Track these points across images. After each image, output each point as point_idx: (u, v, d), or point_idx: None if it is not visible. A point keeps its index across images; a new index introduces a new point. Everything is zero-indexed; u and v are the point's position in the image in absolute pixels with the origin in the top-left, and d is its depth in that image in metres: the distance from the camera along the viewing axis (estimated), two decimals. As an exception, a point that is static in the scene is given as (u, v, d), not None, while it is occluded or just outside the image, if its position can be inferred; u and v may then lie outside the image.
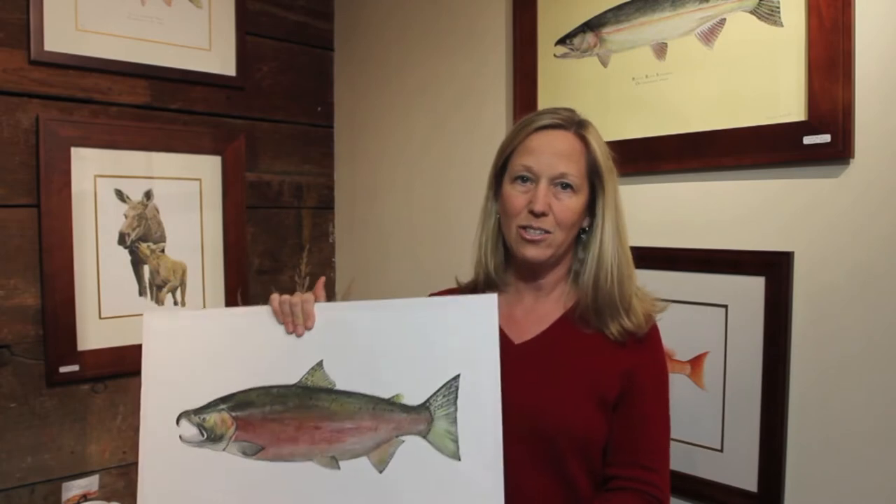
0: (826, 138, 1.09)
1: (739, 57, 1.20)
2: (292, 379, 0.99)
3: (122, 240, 1.67)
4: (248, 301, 1.85)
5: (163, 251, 1.73)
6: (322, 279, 1.06)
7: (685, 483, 1.26)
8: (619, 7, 1.36)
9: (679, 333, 1.26)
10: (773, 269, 1.16)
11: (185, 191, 1.77)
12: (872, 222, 1.07)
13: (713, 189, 1.26)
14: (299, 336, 0.99)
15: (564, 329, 1.05)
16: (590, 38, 1.41)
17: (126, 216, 1.67)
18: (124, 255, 1.67)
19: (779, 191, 1.17)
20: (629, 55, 1.35)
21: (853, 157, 1.08)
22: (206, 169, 1.80)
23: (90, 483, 1.62)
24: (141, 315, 1.65)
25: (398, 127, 1.91)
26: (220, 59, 1.82)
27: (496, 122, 1.63)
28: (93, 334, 1.61)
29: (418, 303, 1.03)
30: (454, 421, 0.96)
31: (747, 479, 1.19)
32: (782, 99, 1.15)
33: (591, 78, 1.42)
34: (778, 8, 1.15)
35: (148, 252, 1.71)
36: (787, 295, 1.14)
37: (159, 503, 0.98)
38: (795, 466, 1.15)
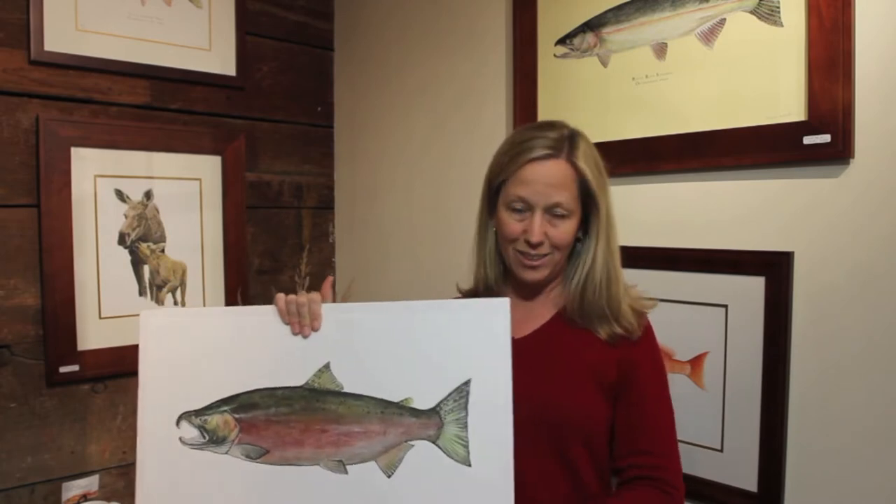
0: (826, 138, 1.09)
1: (739, 57, 1.20)
2: (298, 380, 0.96)
3: (122, 240, 1.67)
4: (248, 301, 1.85)
5: (163, 251, 1.73)
6: (330, 279, 1.05)
7: (685, 483, 1.25)
8: (619, 7, 1.36)
9: (679, 333, 1.26)
10: (773, 269, 1.16)
11: (185, 191, 1.77)
12: (872, 222, 1.07)
13: (713, 189, 1.26)
14: (306, 337, 0.97)
15: (559, 325, 1.08)
16: (590, 38, 1.41)
17: (126, 216, 1.67)
18: (124, 255, 1.67)
19: (779, 191, 1.17)
20: (629, 55, 1.35)
21: (853, 157, 1.08)
22: (206, 169, 1.80)
23: (90, 483, 1.62)
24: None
25: (398, 127, 1.91)
26: (220, 59, 1.82)
27: (496, 123, 1.63)
28: (93, 334, 1.61)
29: (429, 305, 1.00)
30: (465, 426, 0.94)
31: (747, 479, 1.19)
32: (782, 99, 1.15)
33: (591, 78, 1.42)
34: (778, 8, 1.15)
35: (148, 252, 1.71)
36: (787, 295, 1.14)
37: None
38: (795, 466, 1.15)
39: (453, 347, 0.96)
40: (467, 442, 0.94)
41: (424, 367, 0.96)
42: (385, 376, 0.96)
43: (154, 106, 1.72)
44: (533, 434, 1.00)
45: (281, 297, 0.98)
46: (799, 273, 1.14)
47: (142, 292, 1.70)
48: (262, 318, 0.99)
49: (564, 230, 1.04)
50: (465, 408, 0.94)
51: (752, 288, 1.18)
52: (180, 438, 0.96)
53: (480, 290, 1.16)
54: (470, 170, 1.70)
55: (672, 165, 1.30)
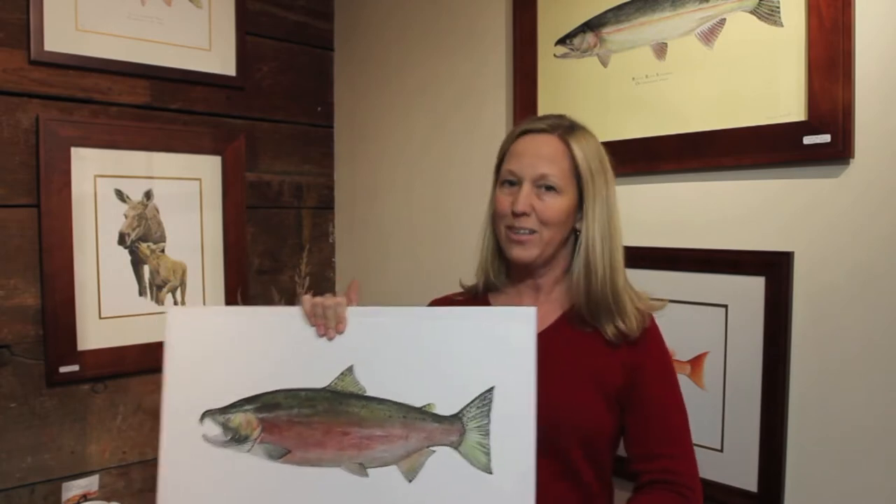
0: (826, 138, 1.09)
1: (739, 57, 1.20)
2: (321, 382, 0.96)
3: (122, 240, 1.67)
4: (248, 301, 1.85)
5: (163, 251, 1.73)
6: (355, 282, 1.05)
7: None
8: (619, 7, 1.36)
9: (679, 333, 1.26)
10: (773, 269, 1.16)
11: (185, 191, 1.77)
12: (872, 222, 1.07)
13: (713, 189, 1.26)
14: (330, 340, 0.97)
15: (564, 328, 1.07)
16: (590, 38, 1.41)
17: (126, 216, 1.67)
18: (124, 255, 1.67)
19: (779, 191, 1.17)
20: (629, 55, 1.35)
21: (853, 157, 1.08)
22: (206, 169, 1.80)
23: (90, 483, 1.62)
24: (140, 315, 1.68)
25: (398, 127, 1.91)
26: (220, 59, 1.82)
27: (496, 123, 1.63)
28: (93, 334, 1.61)
29: (455, 311, 1.01)
30: (487, 433, 0.93)
31: (747, 479, 1.19)
32: (782, 99, 1.15)
33: (591, 78, 1.42)
34: (778, 8, 1.15)
35: (148, 252, 1.71)
36: (787, 295, 1.14)
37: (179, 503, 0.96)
38: (795, 466, 1.15)
39: (478, 354, 0.96)
40: (489, 449, 0.93)
41: (448, 372, 0.95)
42: (408, 381, 0.96)
43: (154, 106, 1.72)
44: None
45: (307, 298, 0.98)
46: (799, 273, 1.14)
47: (142, 292, 1.70)
48: (287, 319, 0.99)
49: (552, 205, 1.03)
50: (488, 415, 0.94)
51: (752, 288, 1.18)
52: (203, 435, 0.97)
53: (481, 284, 1.15)
54: (470, 170, 1.70)
55: (672, 165, 1.30)
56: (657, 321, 1.09)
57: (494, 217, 1.09)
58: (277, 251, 1.99)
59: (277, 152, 1.97)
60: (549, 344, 1.05)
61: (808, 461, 1.14)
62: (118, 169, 1.65)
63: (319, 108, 2.07)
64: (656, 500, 1.00)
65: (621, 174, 1.31)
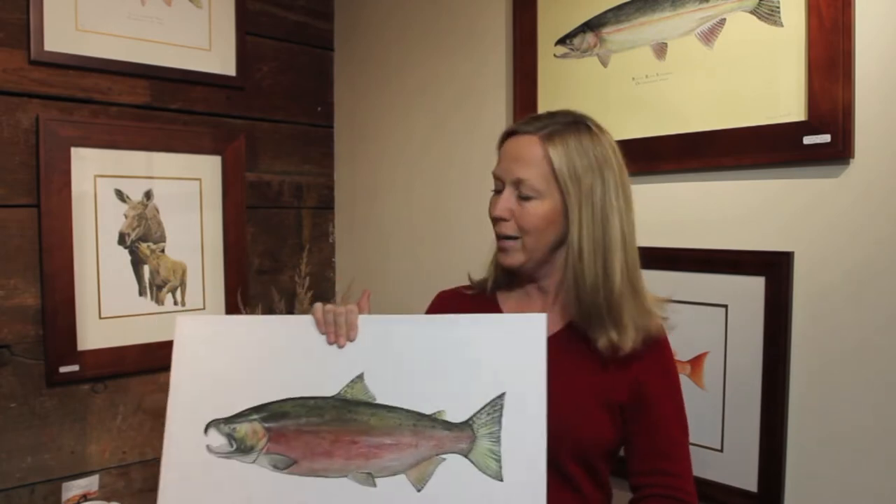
0: (826, 138, 1.09)
1: (739, 57, 1.20)
2: (331, 391, 0.95)
3: (122, 240, 1.67)
4: (247, 301, 1.85)
5: (163, 251, 1.73)
6: (367, 291, 1.04)
7: (685, 483, 1.26)
8: (619, 7, 1.36)
9: (679, 333, 1.26)
10: (773, 269, 1.16)
11: (185, 191, 1.77)
12: (872, 222, 1.07)
13: (713, 189, 1.26)
14: (341, 347, 0.96)
15: (571, 336, 1.04)
16: (590, 38, 1.41)
17: (126, 216, 1.67)
18: (124, 255, 1.67)
19: (779, 191, 1.17)
20: (629, 55, 1.35)
21: (853, 157, 1.08)
22: (206, 169, 1.80)
23: (90, 483, 1.62)
24: (140, 315, 1.68)
25: (398, 127, 1.91)
26: (220, 59, 1.82)
27: (496, 123, 1.63)
28: (93, 334, 1.61)
29: (465, 319, 0.99)
30: (498, 440, 0.92)
31: (747, 479, 1.19)
32: (782, 99, 1.15)
33: (591, 78, 1.42)
34: (778, 8, 1.15)
35: (148, 252, 1.71)
36: (787, 295, 1.14)
37: None
38: (795, 466, 1.15)
39: (488, 361, 0.94)
40: (500, 456, 0.92)
41: (458, 379, 0.94)
42: (418, 388, 0.95)
43: (154, 106, 1.72)
44: None
45: (319, 306, 0.97)
46: (799, 273, 1.14)
47: (142, 292, 1.70)
48: (297, 328, 0.98)
49: (531, 210, 0.99)
50: (499, 422, 0.92)
51: (752, 288, 1.18)
52: (207, 446, 0.95)
53: (490, 280, 1.13)
54: (470, 170, 1.70)
55: (672, 165, 1.30)
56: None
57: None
58: (277, 251, 1.99)
59: (277, 152, 1.97)
60: (553, 354, 1.02)
61: (808, 461, 1.14)
62: (118, 169, 1.65)
63: (319, 108, 2.07)
64: None
65: (621, 174, 1.31)
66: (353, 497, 0.92)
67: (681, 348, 1.27)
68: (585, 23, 1.42)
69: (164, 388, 1.78)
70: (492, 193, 1.06)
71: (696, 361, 1.26)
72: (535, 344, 0.93)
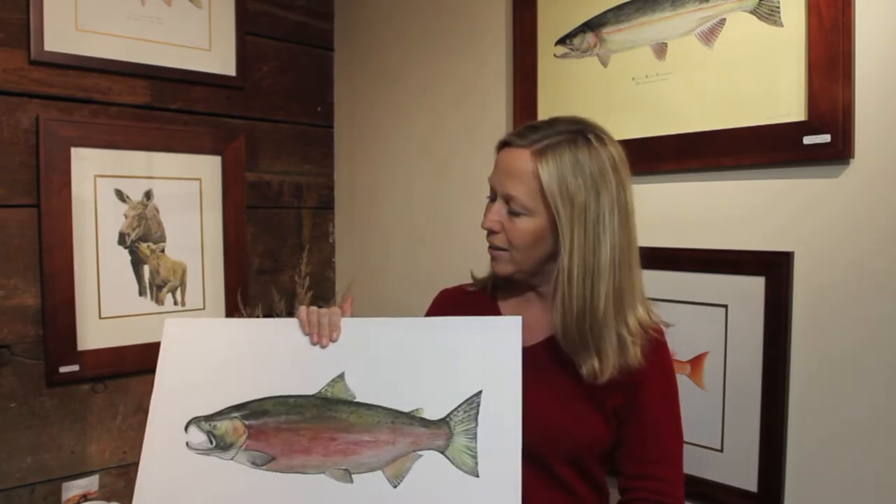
0: (826, 138, 1.09)
1: (739, 57, 1.20)
2: (311, 389, 0.97)
3: (122, 240, 1.67)
4: (247, 301, 1.85)
5: (163, 251, 1.73)
6: (350, 296, 1.07)
7: (685, 483, 1.25)
8: (619, 7, 1.36)
9: (679, 333, 1.26)
10: (773, 269, 1.16)
11: (185, 191, 1.77)
12: (872, 222, 1.07)
13: (713, 189, 1.26)
14: (324, 347, 0.98)
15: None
16: (590, 38, 1.41)
17: (126, 216, 1.67)
18: (124, 255, 1.67)
19: (779, 191, 1.17)
20: (629, 55, 1.35)
21: (853, 157, 1.08)
22: (206, 169, 1.80)
23: (90, 483, 1.62)
24: (140, 315, 1.68)
25: (398, 127, 1.91)
26: (220, 59, 1.82)
27: (496, 123, 1.63)
28: (93, 334, 1.61)
29: (444, 322, 1.04)
30: (474, 437, 0.94)
31: (747, 479, 1.19)
32: (782, 99, 1.15)
33: (591, 78, 1.42)
34: (778, 8, 1.15)
35: (148, 252, 1.71)
36: (787, 295, 1.14)
37: None
38: (795, 466, 1.15)
39: (465, 360, 0.97)
40: (476, 453, 0.94)
41: (436, 378, 0.97)
42: (397, 387, 0.97)
43: (154, 106, 1.72)
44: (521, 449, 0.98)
45: (303, 308, 1.00)
46: (799, 273, 1.14)
47: (142, 292, 1.70)
48: (281, 329, 1.01)
49: (519, 227, 0.98)
50: (475, 419, 0.95)
51: (752, 288, 1.18)
52: (187, 443, 0.96)
53: (490, 285, 1.14)
54: (470, 170, 1.70)
55: (672, 165, 1.30)
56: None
57: None
58: (277, 251, 1.99)
59: (277, 152, 1.97)
60: (546, 355, 1.04)
61: (808, 461, 1.14)
62: (118, 169, 1.65)
63: (319, 108, 2.07)
64: None
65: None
66: (331, 493, 0.94)
67: (681, 348, 1.27)
68: (585, 23, 1.42)
69: (164, 388, 1.78)
70: (487, 199, 1.05)
71: (696, 361, 1.26)
72: (510, 344, 0.96)
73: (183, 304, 1.76)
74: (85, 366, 1.59)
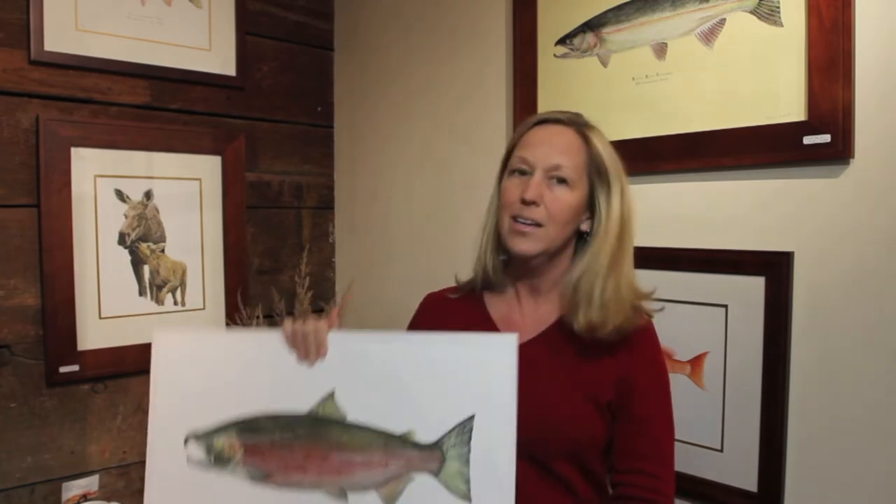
0: (826, 138, 1.09)
1: (739, 57, 1.20)
2: (303, 407, 0.97)
3: (122, 240, 1.67)
4: (247, 301, 1.85)
5: (163, 251, 1.73)
6: (336, 309, 1.05)
7: (685, 483, 1.25)
8: (619, 7, 1.36)
9: (679, 333, 1.26)
10: (773, 269, 1.16)
11: (185, 191, 1.77)
12: (872, 222, 1.07)
13: (713, 189, 1.26)
14: (311, 365, 0.97)
15: (560, 333, 1.04)
16: (590, 38, 1.41)
17: (126, 216, 1.67)
18: (124, 255, 1.67)
19: (779, 191, 1.17)
20: (629, 55, 1.35)
21: (853, 157, 1.08)
22: (206, 169, 1.80)
23: (90, 483, 1.62)
24: (140, 315, 1.68)
25: (398, 127, 1.91)
26: (220, 59, 1.82)
27: (497, 123, 1.63)
28: (93, 334, 1.61)
29: (435, 338, 1.00)
30: (467, 462, 0.93)
31: (747, 479, 1.19)
32: (782, 99, 1.15)
33: (591, 78, 1.42)
34: (778, 8, 1.15)
35: (148, 252, 1.71)
36: (787, 295, 1.14)
37: None
38: (795, 466, 1.15)
39: (458, 382, 0.95)
40: (469, 478, 0.93)
41: (428, 400, 0.95)
42: (389, 408, 0.95)
43: (154, 106, 1.72)
44: (518, 447, 0.98)
45: (288, 324, 0.98)
46: (799, 273, 1.14)
47: (142, 292, 1.70)
48: (269, 344, 0.99)
49: (562, 198, 1.00)
50: (468, 443, 0.93)
51: (752, 288, 1.18)
52: (188, 458, 0.97)
53: (479, 279, 1.12)
54: (470, 170, 1.70)
55: (672, 165, 1.30)
56: (653, 320, 1.08)
57: (500, 207, 1.05)
58: (277, 251, 1.99)
59: (277, 152, 1.97)
60: (545, 349, 1.04)
61: (808, 461, 1.14)
62: (118, 169, 1.65)
63: (319, 108, 2.07)
64: None
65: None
66: None
67: (681, 348, 1.27)
68: (585, 23, 1.42)
69: (164, 388, 1.77)
70: (508, 178, 1.04)
71: (696, 361, 1.26)
72: (505, 366, 0.94)
73: (183, 304, 1.76)
74: (85, 366, 1.59)
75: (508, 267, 1.11)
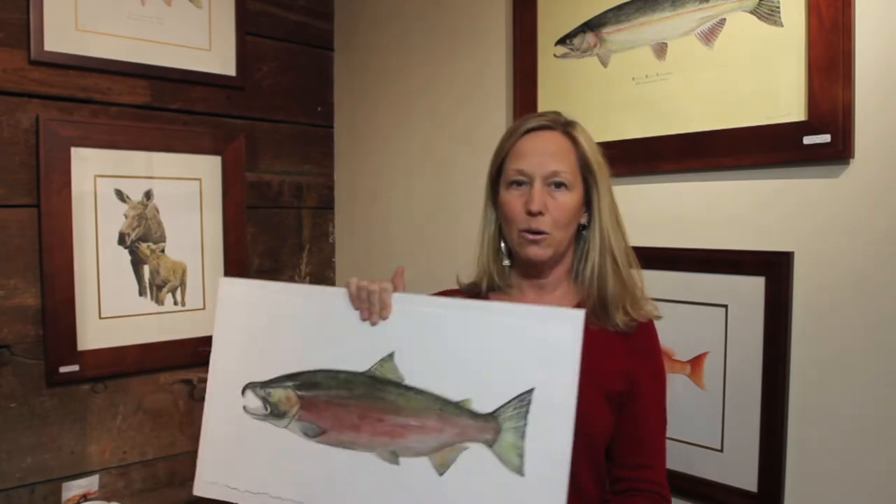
0: (826, 138, 1.09)
1: (739, 57, 1.20)
2: (361, 366, 0.97)
3: (122, 240, 1.67)
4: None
5: (163, 251, 1.73)
6: (401, 268, 1.04)
7: (685, 483, 1.25)
8: (619, 7, 1.36)
9: (679, 333, 1.26)
10: (773, 269, 1.16)
11: (185, 191, 1.77)
12: (872, 222, 1.07)
13: (713, 189, 1.26)
14: (374, 324, 0.97)
15: None
16: (590, 38, 1.41)
17: (126, 216, 1.67)
18: (124, 255, 1.67)
19: (779, 191, 1.17)
20: (629, 55, 1.35)
21: (853, 157, 1.08)
22: (206, 169, 1.80)
23: (90, 483, 1.62)
24: (140, 315, 1.68)
25: (398, 127, 1.91)
26: (220, 59, 1.82)
27: (497, 123, 1.63)
28: (93, 334, 1.61)
29: (500, 307, 0.97)
30: (522, 435, 0.90)
31: (747, 479, 1.19)
32: (782, 99, 1.15)
33: (591, 78, 1.42)
34: (778, 8, 1.15)
35: (148, 252, 1.71)
36: (787, 295, 1.14)
37: (216, 469, 1.01)
38: (795, 466, 1.15)
39: (520, 354, 0.92)
40: (523, 452, 0.90)
41: (488, 369, 0.93)
42: (447, 374, 0.94)
43: (154, 106, 1.72)
44: None
45: (353, 281, 0.99)
46: (799, 273, 1.14)
47: (142, 292, 1.70)
48: (333, 300, 1.00)
49: (564, 203, 1.03)
50: (525, 417, 0.90)
51: (752, 288, 1.18)
52: (244, 406, 1.00)
53: (483, 284, 1.13)
54: (470, 170, 1.70)
55: (672, 165, 1.30)
56: (657, 323, 1.10)
57: (504, 221, 1.07)
58: (277, 251, 1.99)
59: (277, 152, 1.97)
60: None
61: (808, 461, 1.14)
62: (118, 169, 1.65)
63: (319, 108, 2.07)
64: None
65: (621, 174, 1.32)
66: (376, 472, 0.95)
67: (681, 348, 1.27)
68: (585, 23, 1.42)
69: (164, 389, 1.79)
70: (507, 190, 1.06)
71: (696, 361, 1.26)
72: (570, 341, 0.90)
73: (183, 304, 1.76)
74: (85, 366, 1.59)
75: (515, 268, 1.13)
